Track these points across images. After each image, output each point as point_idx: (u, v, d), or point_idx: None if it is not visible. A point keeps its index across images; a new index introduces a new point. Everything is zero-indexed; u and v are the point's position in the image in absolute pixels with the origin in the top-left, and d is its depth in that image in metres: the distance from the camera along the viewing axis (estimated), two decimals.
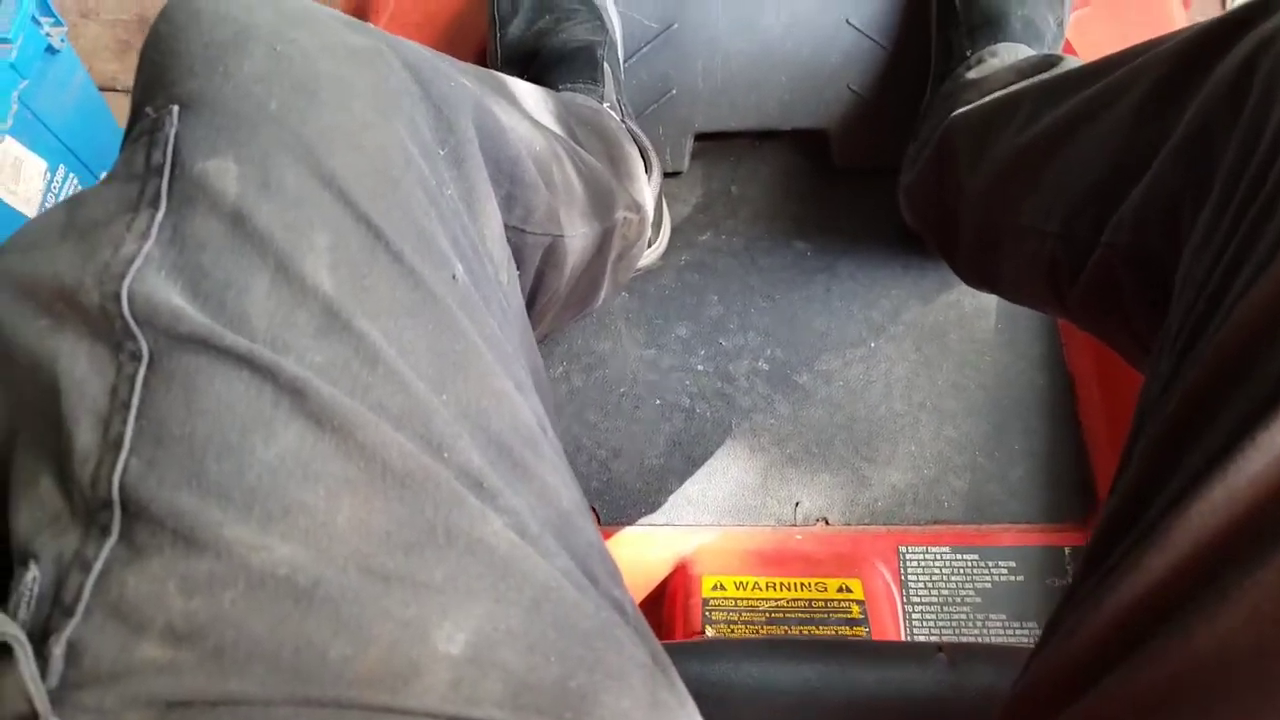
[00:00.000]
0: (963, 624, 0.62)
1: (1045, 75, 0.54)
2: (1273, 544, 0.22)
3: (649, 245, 0.68)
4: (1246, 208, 0.29)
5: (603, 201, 0.54)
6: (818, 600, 0.61)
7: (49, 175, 0.85)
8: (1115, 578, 0.26)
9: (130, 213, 0.28)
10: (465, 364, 0.30)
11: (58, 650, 0.22)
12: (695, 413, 0.66)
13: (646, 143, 0.65)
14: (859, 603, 0.61)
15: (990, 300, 0.68)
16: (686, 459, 0.65)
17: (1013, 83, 0.57)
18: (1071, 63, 0.55)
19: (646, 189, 0.63)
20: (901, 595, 0.63)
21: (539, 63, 0.65)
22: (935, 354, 0.66)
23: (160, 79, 0.32)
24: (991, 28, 0.63)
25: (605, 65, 0.65)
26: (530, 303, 0.48)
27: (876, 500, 0.64)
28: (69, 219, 0.30)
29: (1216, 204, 0.32)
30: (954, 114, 0.58)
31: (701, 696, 0.28)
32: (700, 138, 0.70)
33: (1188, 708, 0.23)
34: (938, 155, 0.59)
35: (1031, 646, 0.33)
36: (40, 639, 0.23)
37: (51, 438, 0.26)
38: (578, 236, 0.50)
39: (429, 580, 0.24)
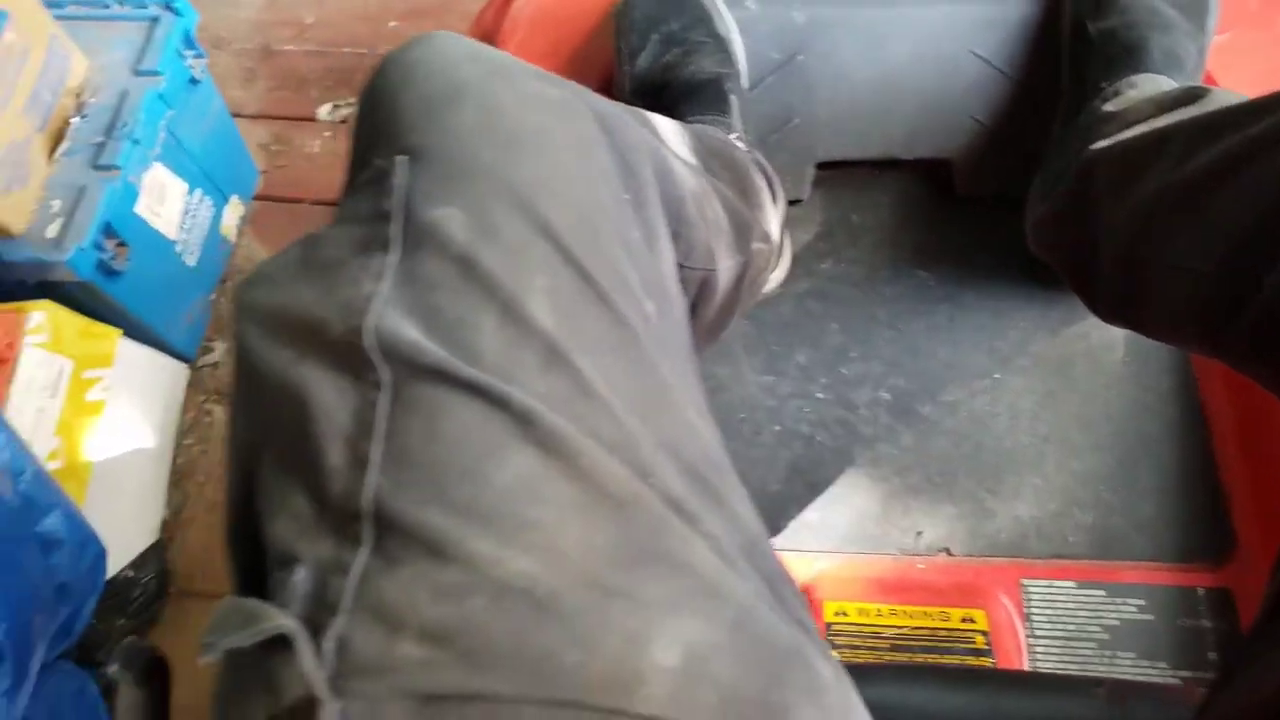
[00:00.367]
0: (1089, 660, 0.61)
1: (1196, 111, 0.53)
2: None
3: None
4: None
5: (743, 234, 0.55)
6: (941, 629, 0.61)
7: (187, 198, 0.90)
8: None
9: (364, 254, 0.31)
10: (660, 397, 0.31)
11: (329, 644, 0.25)
12: (815, 440, 0.67)
13: (772, 172, 0.66)
14: (983, 633, 0.61)
15: (1118, 333, 0.67)
16: (807, 485, 0.66)
17: (1153, 116, 0.56)
18: (1219, 97, 0.54)
19: (774, 218, 0.64)
20: (1025, 628, 0.62)
21: (668, 95, 0.66)
22: (1061, 386, 0.66)
23: (384, 131, 0.34)
24: (1129, 58, 0.62)
25: (732, 97, 0.66)
26: None
27: (1000, 532, 0.64)
28: (305, 257, 0.33)
29: None
30: (1093, 147, 0.58)
31: None
32: (821, 166, 0.71)
33: None
34: (1077, 188, 0.58)
35: (1174, 685, 0.32)
36: (311, 634, 0.25)
37: (300, 455, 0.28)
38: (725, 270, 0.52)
39: (646, 596, 0.26)
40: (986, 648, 0.60)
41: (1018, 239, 0.68)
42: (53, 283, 0.79)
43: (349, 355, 0.29)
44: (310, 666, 0.24)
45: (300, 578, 0.26)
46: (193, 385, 0.95)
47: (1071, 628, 0.62)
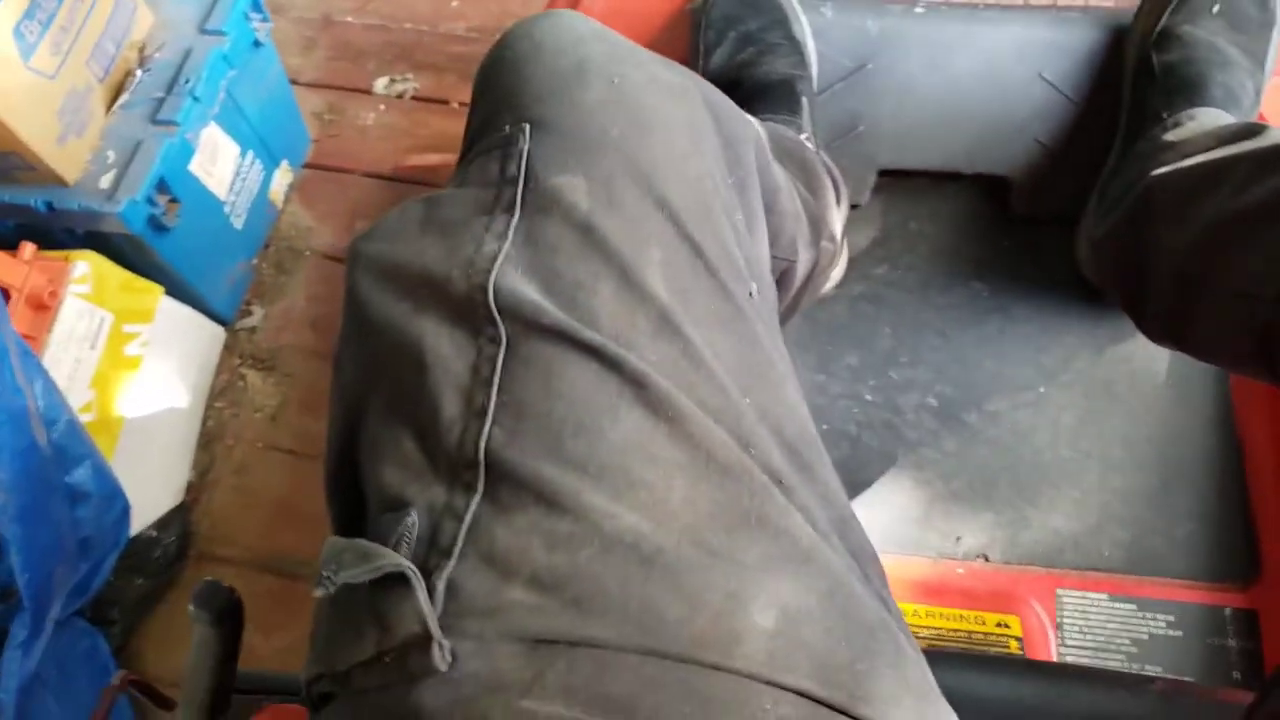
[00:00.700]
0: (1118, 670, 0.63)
1: (1257, 145, 0.55)
2: None
3: None
4: None
5: (816, 230, 0.56)
6: (977, 632, 0.62)
7: (240, 160, 0.90)
8: None
9: (487, 215, 0.32)
10: (763, 373, 0.32)
11: (440, 585, 0.26)
12: (861, 441, 0.68)
13: (838, 174, 0.67)
14: (1017, 638, 0.62)
15: (1163, 357, 0.68)
16: (850, 484, 0.67)
17: (1213, 148, 0.58)
18: (1276, 134, 0.56)
19: (838, 219, 0.65)
20: (1057, 636, 0.64)
21: (741, 92, 0.68)
22: (1104, 405, 0.67)
23: (510, 100, 0.35)
24: (1190, 92, 0.64)
25: (804, 99, 0.67)
26: None
27: (1037, 542, 0.65)
28: (427, 215, 0.33)
29: None
30: (1154, 173, 0.60)
31: None
32: (883, 174, 0.72)
33: None
34: (1136, 212, 0.60)
35: (1223, 689, 0.34)
36: (424, 575, 0.26)
37: (413, 403, 0.29)
38: (802, 262, 0.53)
39: (745, 559, 0.27)
40: (1020, 653, 0.62)
41: (1069, 257, 0.70)
42: (100, 234, 0.79)
43: (469, 311, 0.29)
44: (425, 604, 0.25)
45: (411, 520, 0.27)
46: (228, 348, 0.95)
47: (1102, 638, 0.63)
